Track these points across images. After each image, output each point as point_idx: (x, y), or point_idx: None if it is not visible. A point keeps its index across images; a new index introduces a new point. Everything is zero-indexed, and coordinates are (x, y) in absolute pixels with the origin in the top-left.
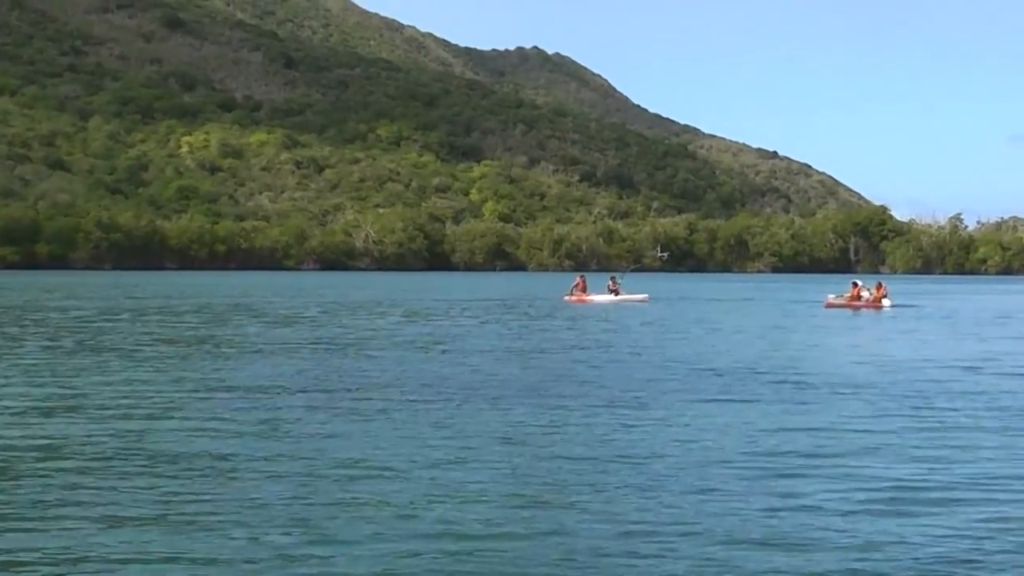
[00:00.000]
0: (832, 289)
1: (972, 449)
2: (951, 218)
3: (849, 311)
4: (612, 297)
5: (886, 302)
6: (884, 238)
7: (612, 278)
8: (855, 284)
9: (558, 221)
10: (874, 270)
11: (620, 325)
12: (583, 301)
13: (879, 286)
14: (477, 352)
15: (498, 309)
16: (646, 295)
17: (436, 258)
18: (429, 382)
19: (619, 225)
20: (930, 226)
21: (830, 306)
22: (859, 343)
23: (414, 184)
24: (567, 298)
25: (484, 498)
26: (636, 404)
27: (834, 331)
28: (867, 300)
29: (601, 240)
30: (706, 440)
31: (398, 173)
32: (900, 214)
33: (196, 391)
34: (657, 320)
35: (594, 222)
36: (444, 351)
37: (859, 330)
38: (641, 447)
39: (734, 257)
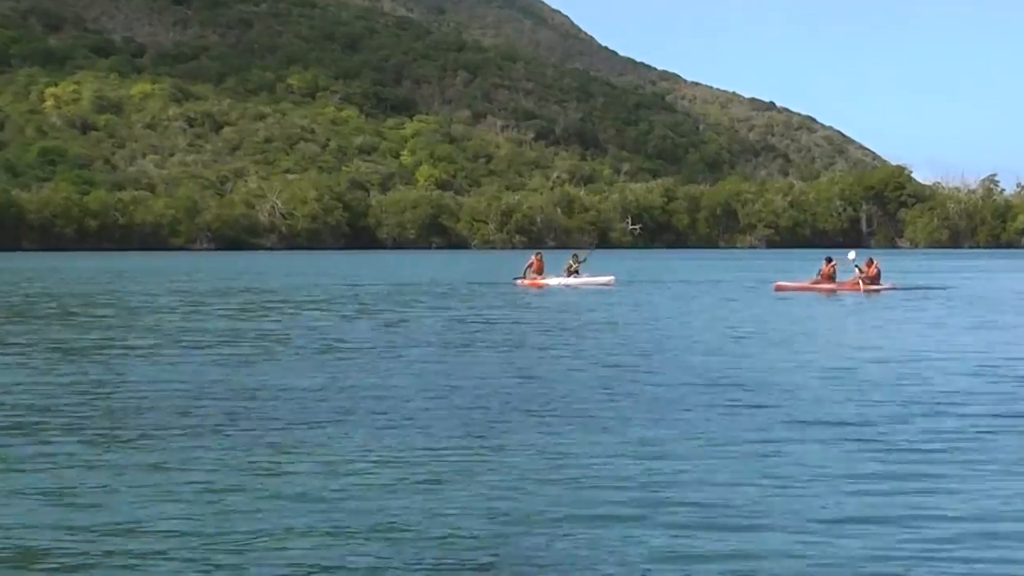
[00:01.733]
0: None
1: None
2: (984, 180)
3: (820, 295)
4: (571, 280)
5: (876, 285)
6: (903, 205)
7: (573, 255)
8: (828, 260)
9: (507, 188)
10: (890, 244)
11: (573, 317)
12: (537, 285)
13: (869, 263)
14: (369, 359)
15: (427, 297)
16: (611, 277)
17: (359, 234)
18: (251, 404)
19: (581, 192)
20: (958, 190)
21: (781, 289)
22: (819, 340)
23: (332, 145)
24: (518, 282)
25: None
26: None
27: (795, 320)
28: (853, 280)
29: (560, 211)
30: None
31: (312, 131)
32: (922, 176)
33: None
34: (617, 309)
35: (552, 189)
36: (321, 355)
37: (826, 320)
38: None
39: (721, 230)
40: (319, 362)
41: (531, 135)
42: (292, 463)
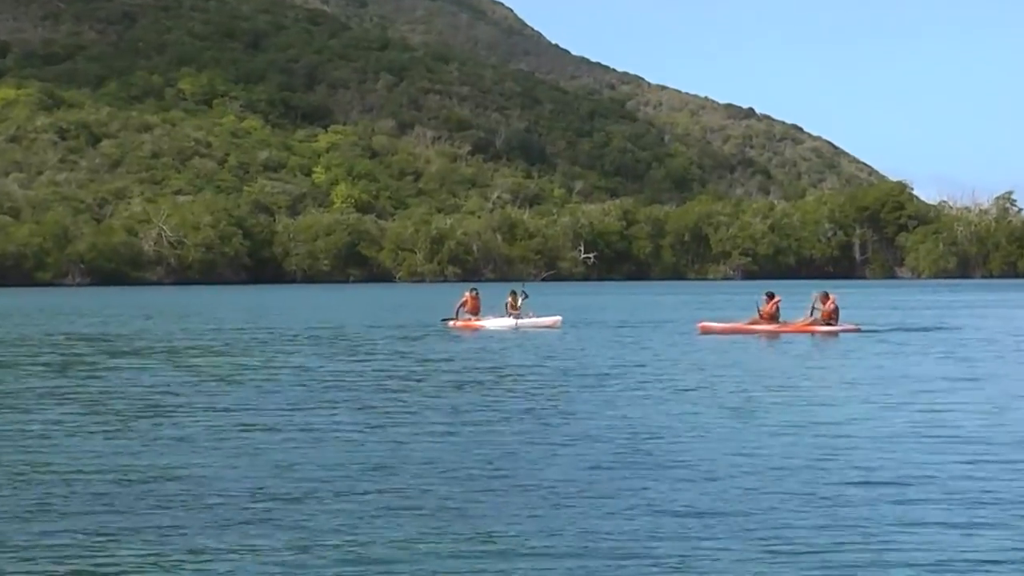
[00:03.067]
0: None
1: None
2: (998, 199)
3: (760, 338)
4: (512, 321)
5: (833, 325)
6: (903, 228)
7: (513, 292)
8: (770, 296)
9: (439, 211)
10: (888, 274)
11: (509, 368)
12: (471, 328)
13: (825, 298)
14: (180, 443)
15: (331, 346)
16: (558, 318)
17: (262, 266)
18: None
19: (526, 215)
20: (968, 211)
21: (706, 331)
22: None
23: (232, 160)
24: (449, 324)
25: None
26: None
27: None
28: (803, 321)
29: (500, 237)
30: None
31: (209, 145)
32: (926, 195)
33: None
34: (560, 358)
35: (491, 211)
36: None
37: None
38: None
39: (690, 258)
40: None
41: (467, 148)
42: None
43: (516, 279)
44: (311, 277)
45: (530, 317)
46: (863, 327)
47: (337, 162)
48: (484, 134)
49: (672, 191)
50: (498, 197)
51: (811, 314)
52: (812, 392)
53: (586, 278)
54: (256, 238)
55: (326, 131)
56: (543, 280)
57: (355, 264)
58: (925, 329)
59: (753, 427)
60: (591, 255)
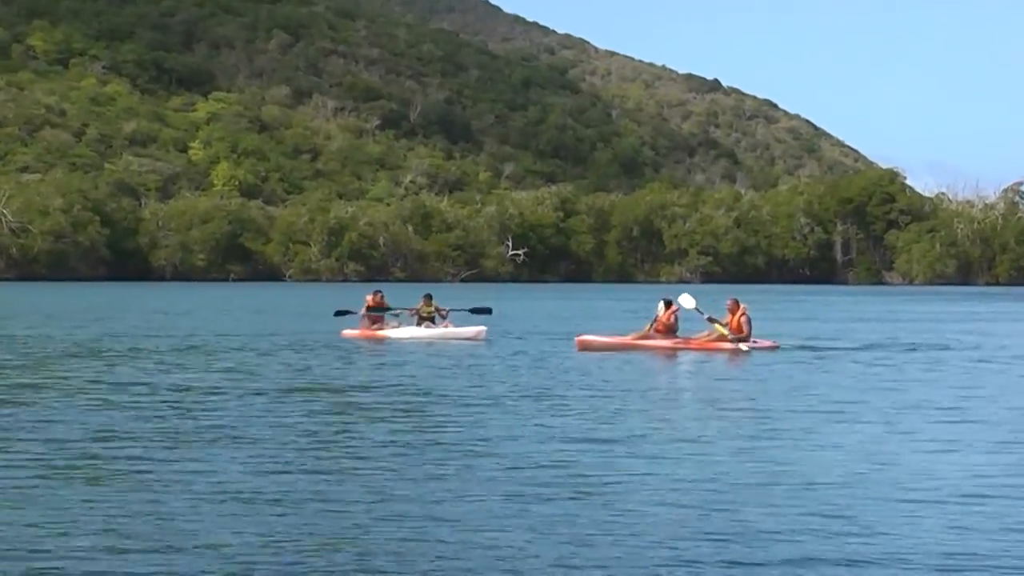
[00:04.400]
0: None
1: None
2: (1006, 191)
3: (655, 355)
4: (423, 331)
5: (742, 342)
6: (893, 225)
7: (427, 297)
8: (668, 303)
9: (340, 196)
10: (874, 279)
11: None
12: (374, 338)
13: (734, 307)
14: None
15: (186, 357)
16: (481, 328)
17: (124, 260)
18: None
19: (444, 203)
20: (971, 205)
21: (586, 347)
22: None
23: (91, 132)
24: (346, 333)
25: None
26: None
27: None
28: (707, 335)
29: (412, 229)
30: None
31: (63, 113)
32: (921, 185)
33: None
34: (483, 376)
35: (403, 198)
36: None
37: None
38: None
39: (639, 257)
40: None
41: (375, 122)
42: None
43: (430, 280)
44: (183, 274)
45: (446, 327)
46: (788, 343)
47: (219, 136)
48: (396, 106)
49: (620, 177)
50: (411, 181)
51: (716, 328)
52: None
53: (515, 279)
54: (118, 226)
55: (206, 99)
56: (463, 281)
57: (237, 259)
58: (871, 347)
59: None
60: (521, 252)
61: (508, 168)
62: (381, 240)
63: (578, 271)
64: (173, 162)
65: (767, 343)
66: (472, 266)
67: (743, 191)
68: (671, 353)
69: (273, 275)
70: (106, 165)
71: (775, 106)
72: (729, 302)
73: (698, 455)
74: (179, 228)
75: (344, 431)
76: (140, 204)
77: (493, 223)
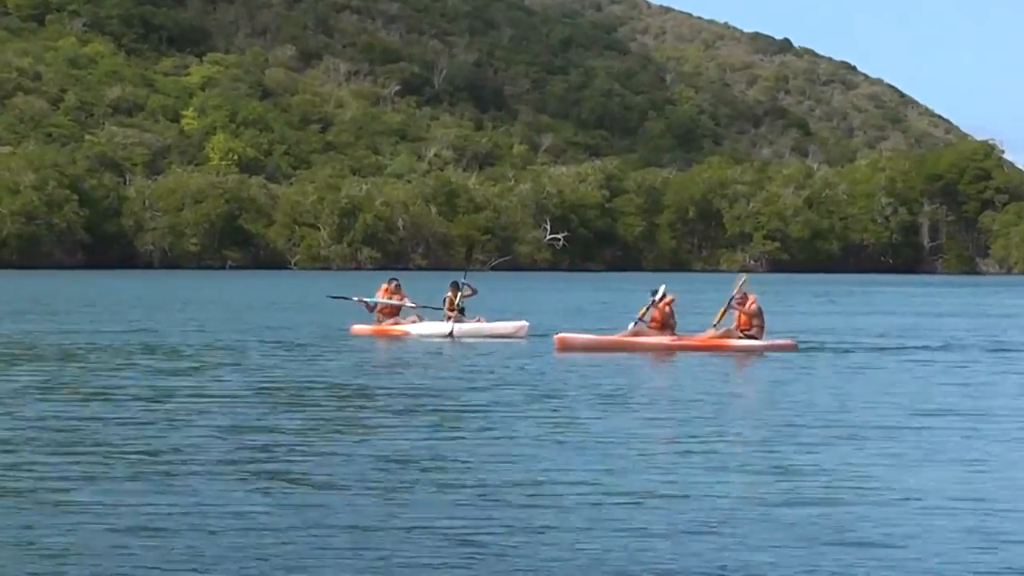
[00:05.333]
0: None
1: None
2: None
3: (637, 358)
4: (452, 326)
5: (752, 338)
6: (989, 206)
7: (455, 284)
8: (655, 297)
9: (353, 172)
10: (967, 268)
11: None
12: (388, 334)
13: (742, 300)
14: None
15: (165, 361)
16: (523, 323)
17: (105, 244)
18: None
19: (472, 180)
20: None
21: (566, 347)
22: None
23: (70, 99)
24: (357, 329)
25: None
26: None
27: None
28: (710, 334)
29: (435, 209)
30: None
31: (38, 77)
32: (1021, 160)
33: None
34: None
35: (425, 174)
36: None
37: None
38: None
39: (696, 242)
40: None
41: (394, 88)
42: None
43: (457, 268)
44: (173, 261)
45: (477, 321)
46: (796, 343)
47: (215, 104)
48: (418, 69)
49: (674, 150)
50: (435, 155)
51: (720, 320)
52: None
53: (553, 267)
54: (98, 206)
55: (201, 61)
56: (493, 269)
57: (235, 243)
58: (920, 349)
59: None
60: (560, 236)
61: (546, 140)
62: (400, 222)
63: (626, 258)
64: (163, 133)
65: (783, 341)
66: (504, 252)
67: (816, 166)
68: (667, 353)
69: (276, 262)
70: (86, 136)
71: (854, 69)
72: (738, 295)
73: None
74: (169, 208)
75: (341, 447)
76: (124, 181)
77: (528, 203)
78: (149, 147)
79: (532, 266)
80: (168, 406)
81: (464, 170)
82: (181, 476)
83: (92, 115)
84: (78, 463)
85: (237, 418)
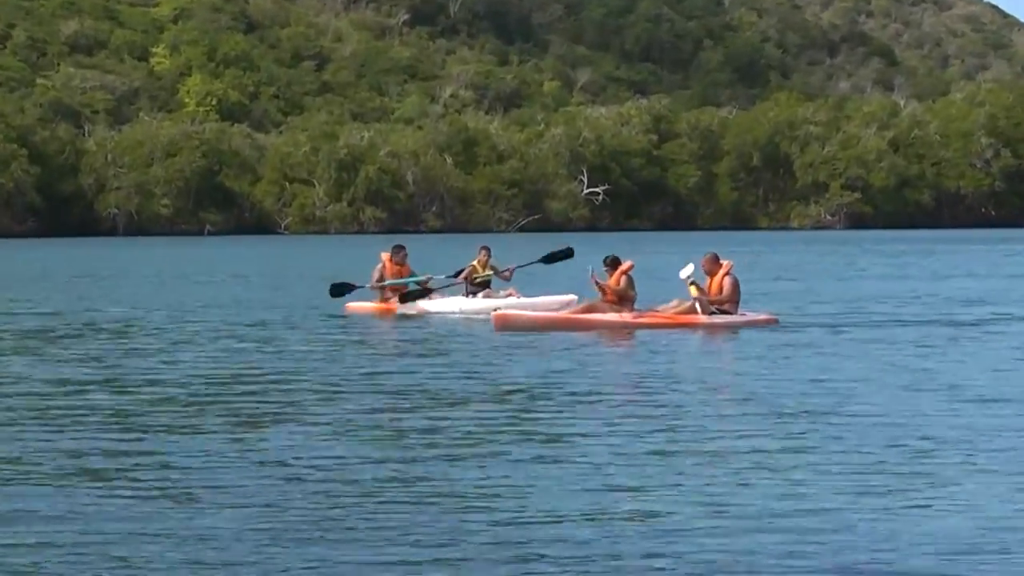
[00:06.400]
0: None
1: None
2: None
3: (595, 338)
4: (476, 303)
5: (723, 313)
6: None
7: (485, 250)
8: (612, 263)
9: (355, 118)
10: None
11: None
12: (395, 313)
13: (713, 264)
14: None
15: (128, 346)
16: (573, 297)
17: (61, 208)
18: None
19: (495, 124)
20: None
21: (505, 326)
22: None
23: (19, 36)
24: (352, 307)
25: None
26: None
27: None
28: (676, 307)
29: (451, 160)
30: None
31: None
32: None
33: None
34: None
35: (440, 119)
36: None
37: None
38: None
39: (761, 194)
40: None
41: (402, 16)
42: None
43: (476, 229)
44: (142, 226)
45: (510, 295)
46: (778, 317)
47: (190, 39)
48: None
49: (734, 86)
50: (451, 96)
51: (696, 296)
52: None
53: (592, 226)
54: (52, 162)
55: None
56: (521, 230)
57: (215, 205)
58: (929, 323)
59: None
60: (600, 189)
61: (582, 76)
62: (409, 176)
63: (678, 214)
64: (128, 75)
65: (762, 316)
66: (534, 210)
67: (902, 102)
68: (625, 331)
69: (264, 226)
70: (37, 80)
71: None
72: (705, 260)
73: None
74: (136, 164)
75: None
76: (83, 132)
77: (562, 150)
78: (112, 91)
79: (567, 225)
80: (99, 398)
81: (486, 113)
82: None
83: (44, 55)
84: None
85: (167, 419)
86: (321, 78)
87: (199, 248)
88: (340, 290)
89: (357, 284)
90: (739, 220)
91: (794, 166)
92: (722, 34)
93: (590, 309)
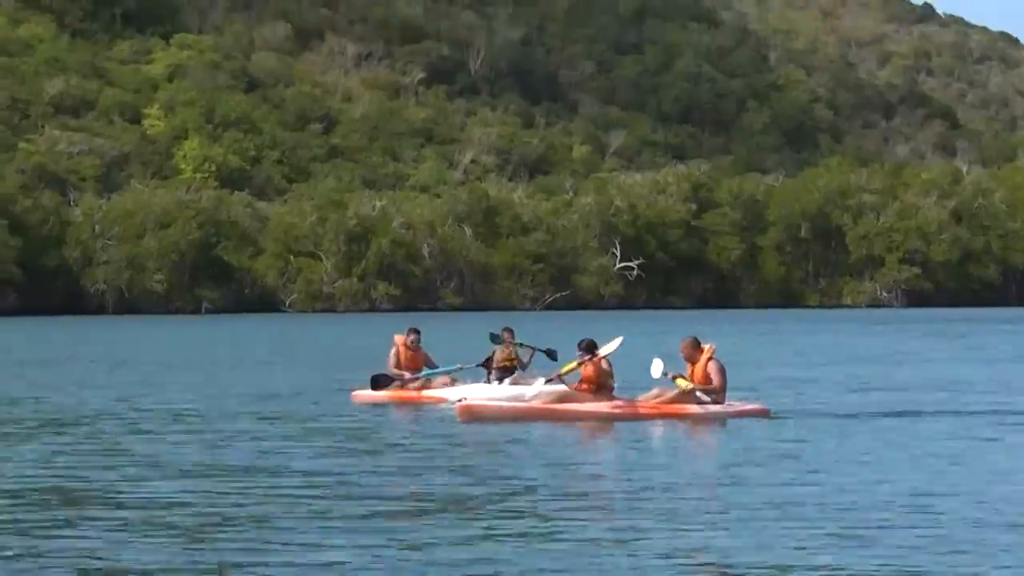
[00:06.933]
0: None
1: None
2: None
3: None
4: (505, 390)
5: (709, 403)
6: None
7: (509, 331)
8: (588, 348)
9: (366, 185)
10: None
11: None
12: (415, 402)
13: (692, 351)
14: None
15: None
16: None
17: (45, 283)
18: None
19: (519, 193)
20: None
21: (471, 417)
22: None
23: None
24: (356, 395)
25: None
26: None
27: None
28: (659, 397)
29: (471, 231)
30: None
31: None
32: None
33: None
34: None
35: (459, 186)
36: None
37: None
38: None
39: (810, 269)
40: None
41: (417, 75)
42: None
43: (497, 307)
44: (132, 304)
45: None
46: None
47: (186, 100)
48: (448, 50)
49: (781, 150)
50: (472, 161)
51: (679, 385)
52: None
53: (625, 303)
54: (35, 234)
55: (167, 44)
56: (547, 308)
57: (212, 280)
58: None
59: None
60: (634, 264)
61: (615, 139)
62: (425, 248)
63: (720, 291)
64: (119, 138)
65: (753, 406)
66: (562, 286)
67: (965, 168)
68: (603, 423)
69: (266, 303)
70: (20, 144)
71: (1016, 42)
72: (684, 345)
73: None
74: (126, 235)
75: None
76: (69, 201)
77: (593, 221)
78: (101, 156)
79: (598, 303)
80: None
81: (509, 180)
82: None
83: (27, 116)
84: None
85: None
86: (329, 141)
87: (194, 329)
88: (378, 382)
89: (394, 376)
90: (786, 297)
91: (847, 238)
92: (768, 94)
93: (565, 399)
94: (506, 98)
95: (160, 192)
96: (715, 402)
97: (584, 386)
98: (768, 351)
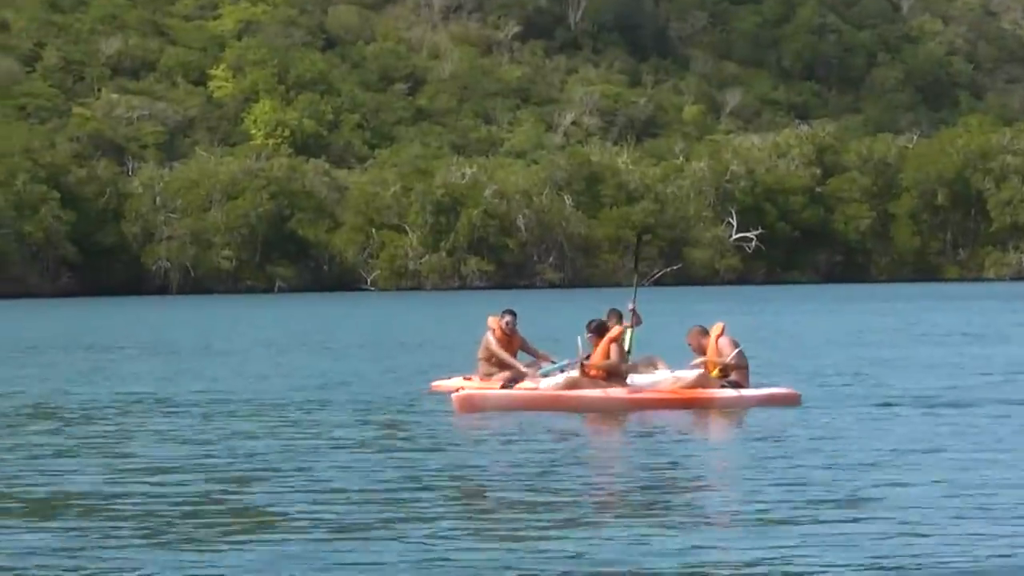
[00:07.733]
0: None
1: None
2: None
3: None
4: (641, 377)
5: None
6: None
7: (615, 313)
8: (597, 330)
9: (455, 151)
10: None
11: None
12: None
13: (699, 340)
14: None
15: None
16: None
17: (101, 262)
18: None
19: (624, 157)
20: None
21: (468, 408)
22: None
23: (49, 56)
24: (439, 386)
25: None
26: None
27: None
28: (679, 381)
29: (571, 200)
30: None
31: (5, 27)
32: None
33: None
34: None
35: (559, 149)
36: None
37: None
38: None
39: (949, 239)
40: None
41: (512, 29)
42: None
43: (601, 284)
44: (198, 283)
45: (651, 368)
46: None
47: (255, 59)
48: (546, 1)
49: (915, 109)
50: (573, 123)
51: (701, 363)
52: None
53: (743, 279)
54: (90, 207)
55: (234, 2)
56: (656, 284)
57: (286, 256)
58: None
59: None
60: (752, 235)
61: (731, 98)
62: (521, 220)
63: (847, 265)
64: (183, 102)
65: (781, 391)
66: (672, 260)
67: None
68: (615, 412)
69: (346, 282)
70: (73, 108)
71: None
72: (691, 336)
73: None
74: (191, 208)
75: None
76: (127, 171)
77: (706, 188)
78: (163, 122)
79: (712, 278)
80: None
81: (613, 144)
82: None
83: (82, 78)
84: None
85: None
86: (415, 103)
87: (266, 309)
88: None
89: (517, 371)
90: (922, 270)
91: (988, 204)
92: (900, 46)
93: (574, 385)
94: (610, 54)
95: (228, 160)
96: (735, 384)
97: (593, 372)
98: (892, 329)
